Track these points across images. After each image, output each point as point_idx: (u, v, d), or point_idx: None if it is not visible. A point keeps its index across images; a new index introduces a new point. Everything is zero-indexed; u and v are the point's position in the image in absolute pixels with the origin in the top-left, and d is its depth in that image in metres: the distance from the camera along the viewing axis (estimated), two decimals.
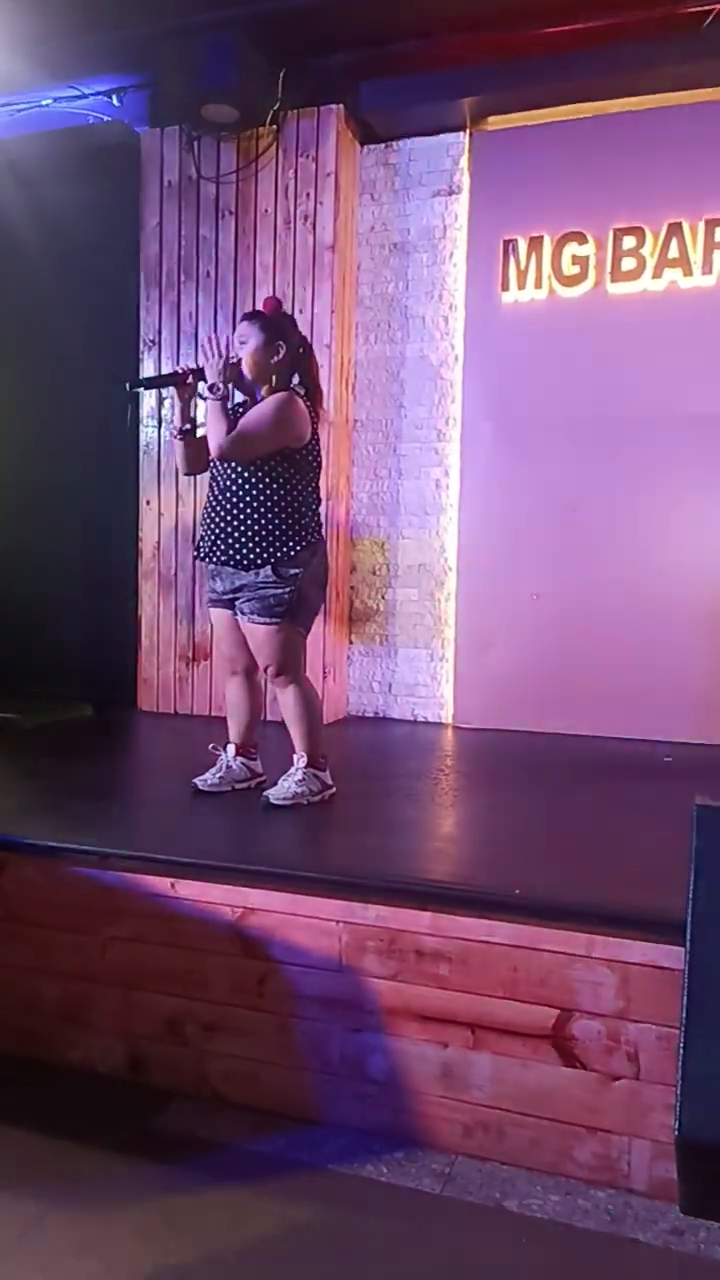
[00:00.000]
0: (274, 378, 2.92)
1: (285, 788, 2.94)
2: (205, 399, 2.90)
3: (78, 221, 5.21)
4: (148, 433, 4.82)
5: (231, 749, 3.15)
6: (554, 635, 4.48)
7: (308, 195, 4.49)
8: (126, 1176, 2.01)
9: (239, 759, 3.14)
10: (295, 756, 3.00)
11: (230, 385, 2.91)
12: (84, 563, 5.38)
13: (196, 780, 3.11)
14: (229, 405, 2.91)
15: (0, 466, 5.56)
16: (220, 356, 2.88)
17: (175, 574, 4.79)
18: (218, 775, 3.11)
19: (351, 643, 4.87)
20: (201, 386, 2.93)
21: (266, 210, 4.56)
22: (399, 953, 2.15)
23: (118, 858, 2.44)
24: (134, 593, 4.89)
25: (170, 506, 4.80)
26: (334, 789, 3.03)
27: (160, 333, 4.77)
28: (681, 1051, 1.59)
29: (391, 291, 4.72)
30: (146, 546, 4.86)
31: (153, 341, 4.78)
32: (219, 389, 2.87)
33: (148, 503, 4.84)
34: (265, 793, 2.96)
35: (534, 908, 2.11)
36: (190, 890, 2.34)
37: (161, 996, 2.35)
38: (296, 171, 4.50)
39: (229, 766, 3.12)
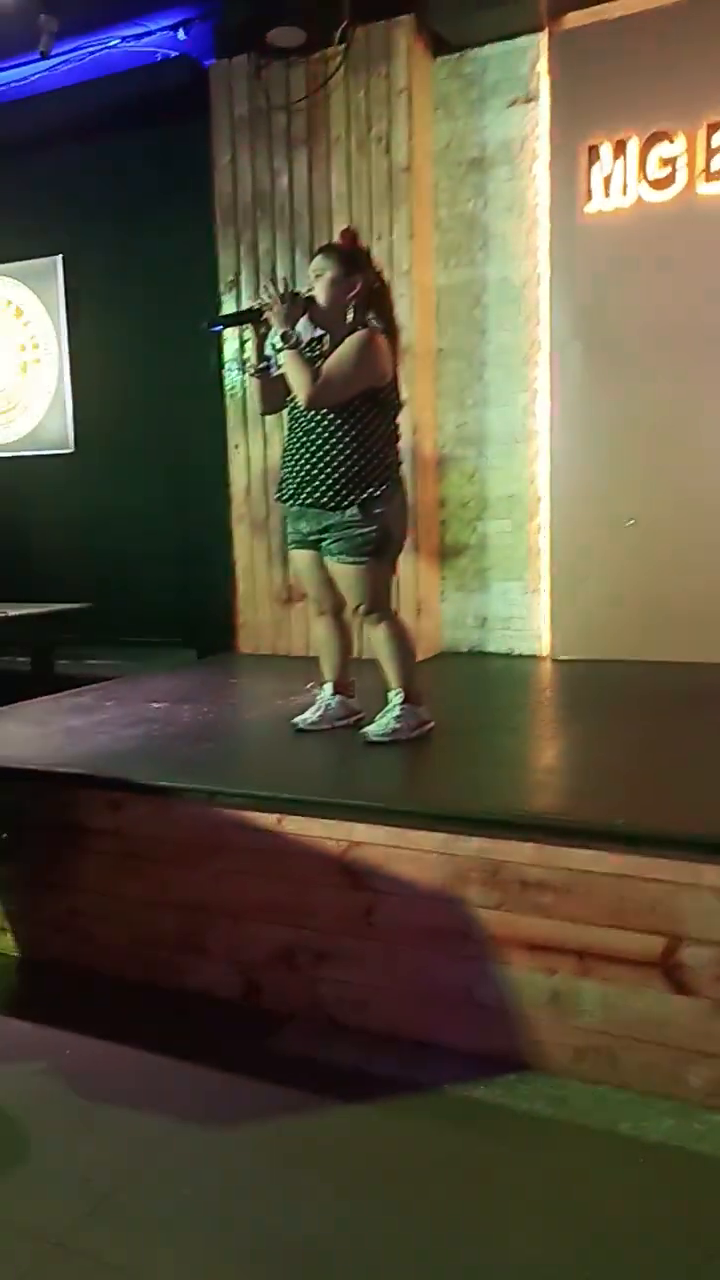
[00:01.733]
0: (350, 313, 2.87)
1: (384, 724, 2.97)
2: (279, 350, 2.84)
3: (150, 165, 5.19)
4: (232, 377, 4.82)
5: (329, 688, 3.19)
6: (651, 561, 4.35)
7: (380, 116, 4.34)
8: (248, 1096, 2.11)
9: (336, 697, 3.18)
10: (391, 693, 3.02)
11: (301, 325, 2.85)
12: (177, 510, 5.47)
13: (297, 719, 3.16)
14: (303, 345, 2.86)
15: (91, 421, 5.68)
16: (284, 302, 2.82)
17: (266, 517, 4.82)
18: (317, 714, 3.16)
19: (443, 578, 4.83)
20: (274, 336, 2.85)
21: (339, 136, 4.43)
22: (503, 883, 2.16)
23: (225, 795, 2.52)
24: (227, 537, 4.95)
25: (258, 450, 4.80)
26: (432, 724, 3.05)
27: (239, 272, 4.73)
28: None
29: (470, 211, 4.55)
30: (236, 491, 4.89)
31: (232, 282, 4.75)
32: (291, 336, 2.82)
33: (235, 447, 4.86)
34: (364, 729, 3.00)
35: (639, 837, 2.09)
36: (296, 825, 2.40)
37: (272, 927, 2.43)
38: (367, 92, 4.35)
39: (327, 705, 3.17)
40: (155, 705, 3.70)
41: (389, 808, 2.36)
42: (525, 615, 4.69)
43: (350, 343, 2.81)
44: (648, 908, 2.03)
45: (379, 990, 2.32)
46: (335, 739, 3.08)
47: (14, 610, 4.60)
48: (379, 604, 2.97)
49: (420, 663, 3.25)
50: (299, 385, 2.82)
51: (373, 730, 2.97)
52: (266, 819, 2.44)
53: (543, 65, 4.31)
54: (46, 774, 2.80)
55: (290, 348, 2.81)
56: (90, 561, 5.56)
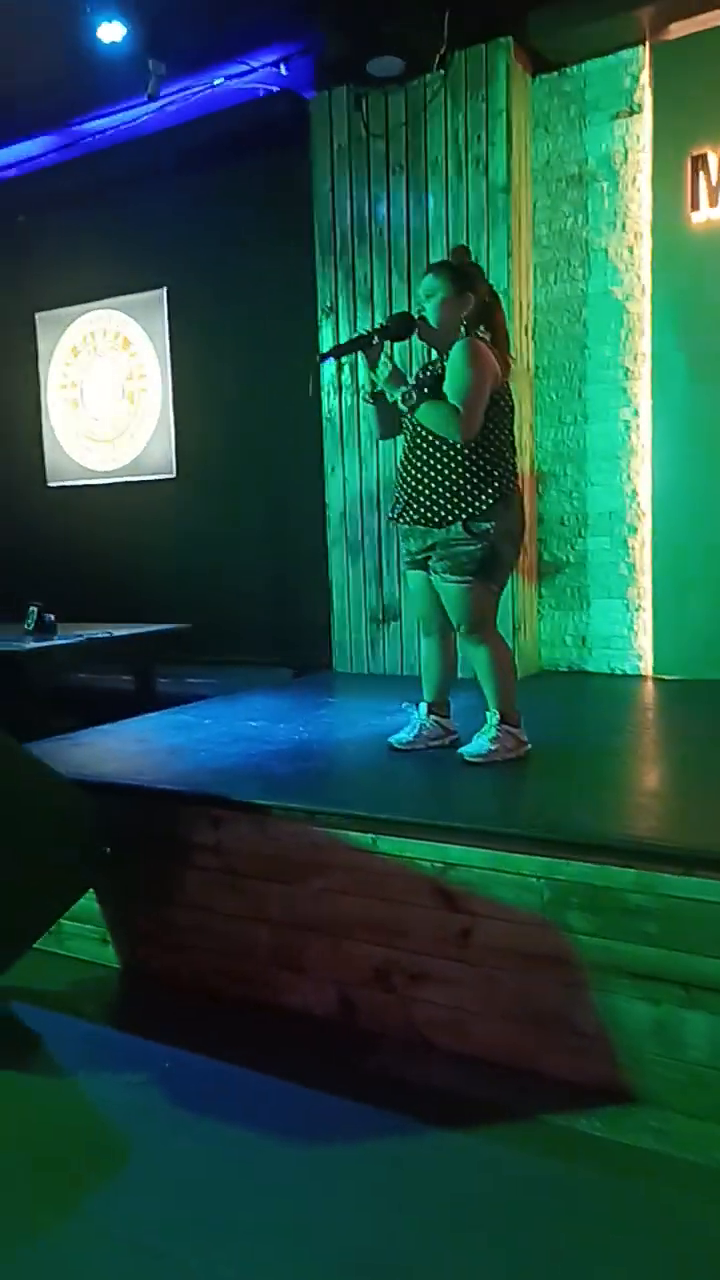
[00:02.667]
0: (463, 330, 2.86)
1: (480, 744, 2.94)
2: (408, 410, 2.83)
3: (252, 197, 5.34)
4: (330, 401, 4.88)
5: (424, 707, 3.17)
6: None
7: (479, 138, 4.36)
8: (341, 1116, 2.10)
9: (432, 717, 3.16)
10: (488, 714, 2.98)
11: (401, 352, 2.86)
12: (274, 532, 5.57)
13: (392, 739, 3.16)
14: (424, 390, 2.82)
15: (192, 446, 5.84)
16: (391, 369, 2.83)
17: (362, 538, 4.86)
18: (412, 734, 3.15)
19: (542, 596, 4.77)
20: (399, 402, 2.84)
21: (437, 159, 4.47)
22: (603, 909, 2.11)
23: (322, 814, 2.53)
24: (323, 559, 5.00)
25: (354, 472, 4.85)
26: (529, 745, 3.00)
27: (337, 299, 4.80)
28: None
29: (571, 227, 4.51)
30: (333, 513, 4.94)
31: (330, 308, 4.82)
32: (410, 396, 2.81)
33: (332, 470, 4.92)
34: (460, 749, 2.97)
35: None
36: (391, 845, 2.39)
37: (368, 946, 2.42)
38: (466, 115, 4.37)
39: (422, 725, 3.15)
40: (253, 723, 3.75)
41: (486, 829, 2.33)
42: (626, 633, 4.58)
43: (455, 359, 2.78)
44: None
45: (475, 1014, 2.28)
46: (430, 759, 3.06)
47: (118, 630, 4.75)
48: (481, 625, 2.93)
49: (518, 682, 3.20)
50: (449, 431, 2.77)
51: (468, 750, 2.94)
52: (363, 838, 2.43)
53: (646, 77, 4.26)
54: (149, 790, 2.87)
55: (417, 403, 2.80)
56: (190, 583, 5.71)
